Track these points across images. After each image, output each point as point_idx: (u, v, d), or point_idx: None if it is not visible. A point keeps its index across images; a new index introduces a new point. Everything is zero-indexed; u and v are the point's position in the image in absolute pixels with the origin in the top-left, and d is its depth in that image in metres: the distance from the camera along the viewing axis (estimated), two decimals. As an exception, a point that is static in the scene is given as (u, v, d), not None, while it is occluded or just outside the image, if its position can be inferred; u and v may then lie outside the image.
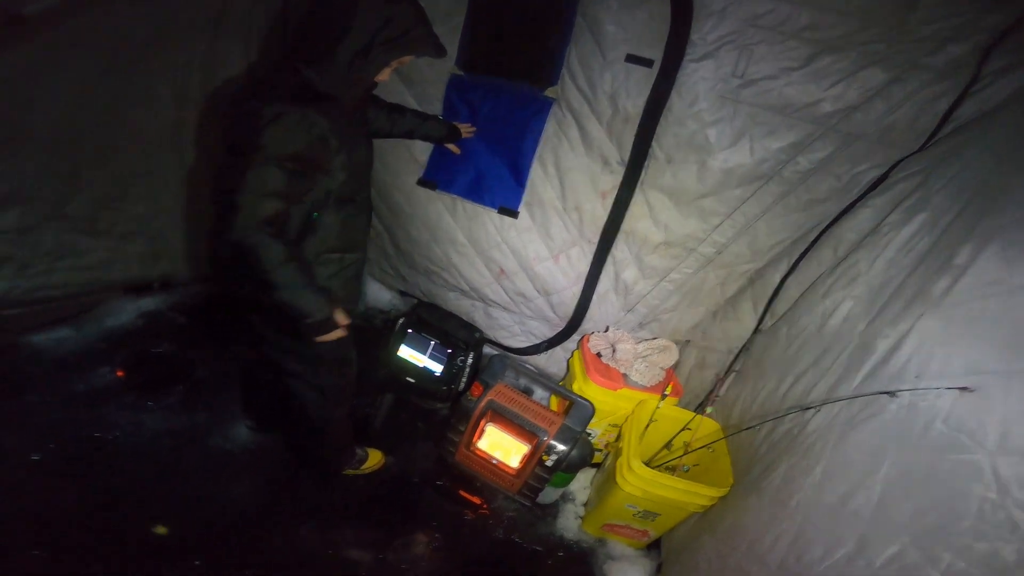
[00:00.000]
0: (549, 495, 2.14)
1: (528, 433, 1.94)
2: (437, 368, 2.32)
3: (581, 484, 2.26)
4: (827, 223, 1.90)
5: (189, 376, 2.24)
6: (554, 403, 2.28)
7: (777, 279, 2.03)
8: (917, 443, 1.23)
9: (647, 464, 1.90)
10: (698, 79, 1.73)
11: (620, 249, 2.12)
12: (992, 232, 1.29)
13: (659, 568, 2.04)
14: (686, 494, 1.82)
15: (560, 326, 2.40)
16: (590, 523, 2.14)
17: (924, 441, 1.21)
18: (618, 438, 2.17)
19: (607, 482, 2.01)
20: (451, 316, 2.50)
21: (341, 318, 1.46)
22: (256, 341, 1.65)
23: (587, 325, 2.34)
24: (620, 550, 2.10)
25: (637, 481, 1.82)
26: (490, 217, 2.22)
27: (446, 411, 2.39)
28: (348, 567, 1.80)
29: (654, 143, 1.86)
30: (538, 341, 2.49)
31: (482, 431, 2.01)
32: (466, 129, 2.10)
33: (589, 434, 2.12)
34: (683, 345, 2.29)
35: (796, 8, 1.58)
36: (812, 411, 1.56)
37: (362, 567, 1.81)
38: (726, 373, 2.13)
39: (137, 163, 2.22)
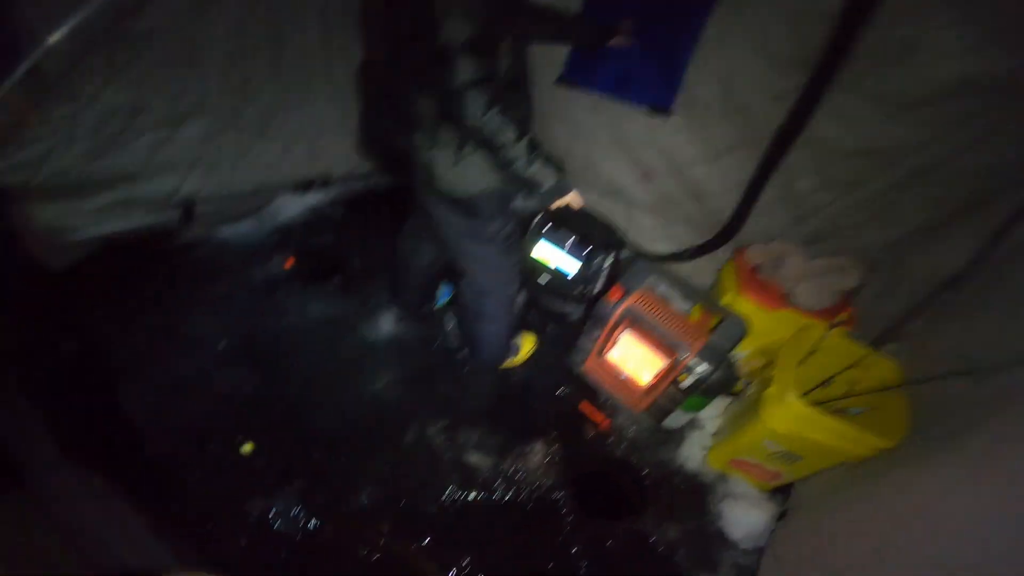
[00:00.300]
0: (676, 419, 2.01)
1: (667, 347, 1.80)
2: (572, 268, 2.19)
3: (713, 412, 2.09)
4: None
5: (346, 267, 2.41)
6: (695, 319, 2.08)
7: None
8: None
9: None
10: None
11: (796, 156, 1.79)
12: None
13: (782, 515, 1.84)
14: (846, 440, 1.57)
15: (710, 234, 2.15)
16: (716, 456, 1.99)
17: None
18: (766, 366, 1.94)
19: (747, 414, 1.82)
20: (590, 216, 2.34)
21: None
22: (427, 231, 1.73)
23: (744, 235, 2.08)
24: (742, 489, 1.93)
25: (788, 417, 1.61)
26: (638, 116, 2.00)
27: (577, 315, 2.31)
28: (466, 471, 1.87)
29: (857, 41, 1.49)
30: (684, 248, 2.26)
31: (616, 340, 1.92)
32: (623, 30, 1.85)
33: (734, 358, 1.92)
34: (866, 268, 1.91)
35: None
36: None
37: (479, 473, 1.87)
38: (921, 307, 1.75)
39: (295, 75, 2.35)
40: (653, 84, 1.92)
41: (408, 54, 1.43)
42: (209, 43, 1.95)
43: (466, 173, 1.51)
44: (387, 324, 2.27)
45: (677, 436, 2.06)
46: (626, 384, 1.94)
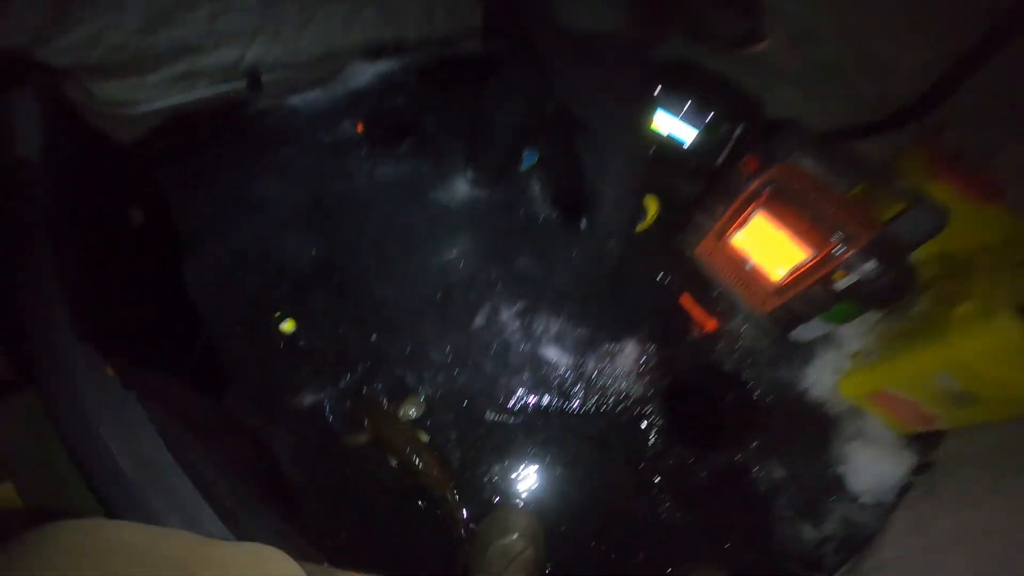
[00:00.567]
0: (809, 330, 1.57)
1: (819, 235, 1.34)
2: (689, 135, 1.75)
3: (858, 327, 1.62)
4: None
5: (418, 130, 2.21)
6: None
7: None
8: None
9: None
10: None
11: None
12: None
13: (921, 469, 1.44)
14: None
15: (884, 114, 1.63)
16: (854, 384, 1.55)
17: None
18: (948, 276, 1.44)
19: (916, 336, 1.38)
20: (717, 78, 1.82)
21: None
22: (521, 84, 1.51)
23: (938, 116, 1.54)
24: (877, 431, 1.52)
25: (993, 346, 1.17)
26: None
27: (690, 191, 1.87)
28: (542, 369, 1.55)
29: None
30: (847, 125, 1.72)
31: (746, 220, 1.47)
32: None
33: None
34: None
35: None
36: None
37: (556, 373, 1.55)
38: None
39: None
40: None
41: None
42: None
43: None
44: (462, 188, 1.99)
45: (805, 352, 1.62)
46: (751, 277, 1.51)
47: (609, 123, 1.47)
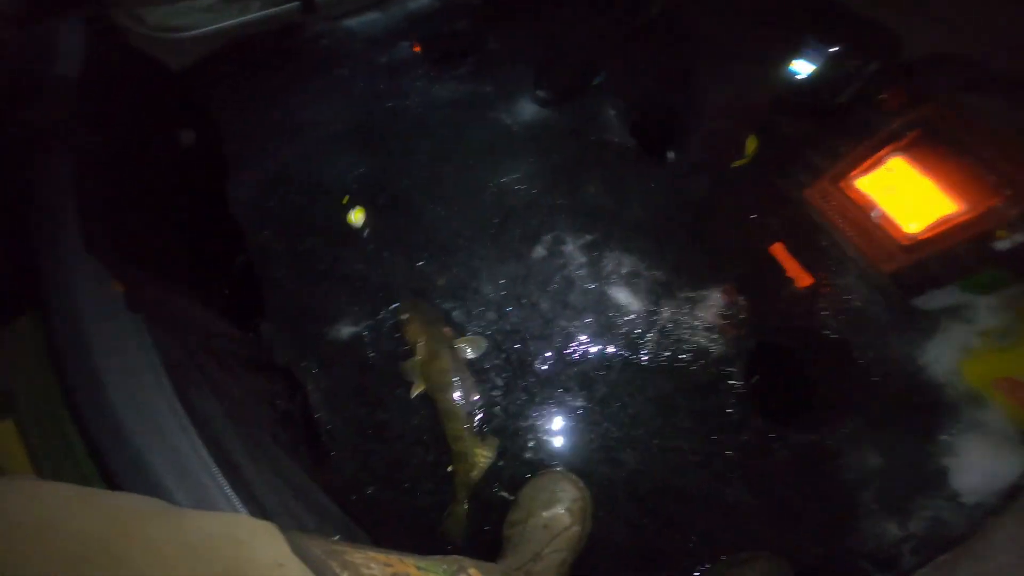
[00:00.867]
0: (939, 298, 1.30)
1: (980, 184, 1.04)
2: (806, 68, 1.43)
3: (996, 302, 1.33)
4: None
5: (480, 50, 2.00)
6: None
7: None
8: None
9: None
10: None
11: None
12: None
13: None
14: None
15: None
16: (982, 366, 1.29)
17: None
18: None
19: None
20: (850, 13, 1.45)
21: None
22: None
23: None
24: (998, 423, 1.26)
25: None
26: None
27: (806, 129, 1.54)
28: (608, 312, 1.35)
29: None
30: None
31: (878, 162, 1.18)
32: None
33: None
34: None
35: None
36: None
37: (625, 318, 1.35)
38: None
39: None
40: None
41: None
42: None
43: None
44: (527, 109, 1.75)
45: (928, 323, 1.34)
46: (876, 228, 1.23)
47: (725, 43, 1.18)
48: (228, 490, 0.60)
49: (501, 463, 1.17)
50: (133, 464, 0.59)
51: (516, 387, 1.26)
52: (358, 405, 1.23)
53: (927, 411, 1.30)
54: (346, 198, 1.48)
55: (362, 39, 2.02)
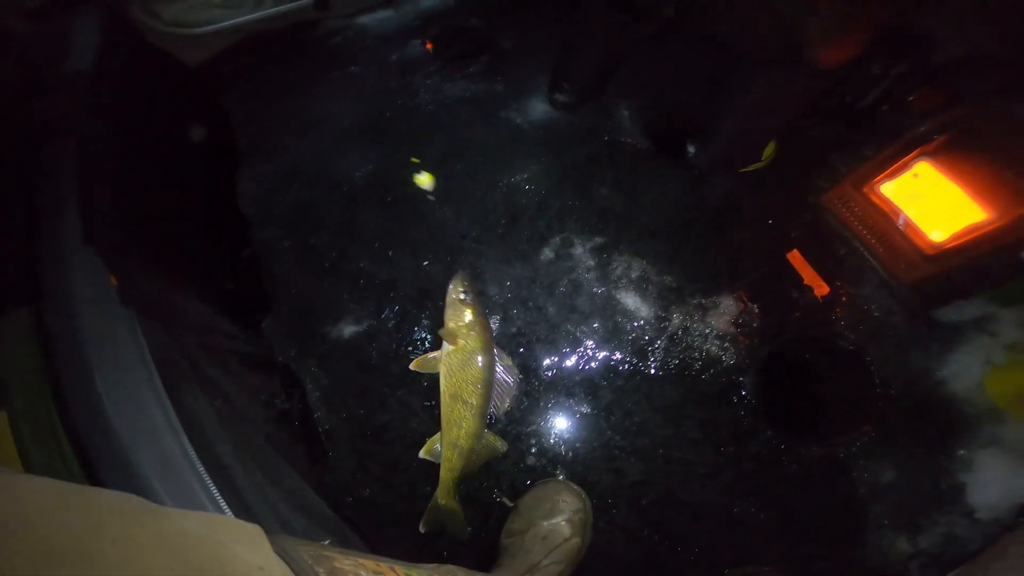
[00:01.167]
0: (963, 310, 1.25)
1: (1014, 192, 0.99)
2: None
3: (1019, 315, 1.27)
4: None
5: (493, 48, 1.98)
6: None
7: None
8: None
9: None
10: None
11: None
12: None
13: None
14: None
15: None
16: (1007, 381, 1.24)
17: None
18: None
19: None
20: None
21: None
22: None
23: None
24: (1019, 440, 1.21)
25: None
26: None
27: (826, 132, 1.49)
28: (617, 318, 1.32)
29: None
30: None
31: (904, 167, 1.13)
32: None
33: None
34: None
35: None
36: None
37: (633, 324, 1.31)
38: None
39: None
40: None
41: None
42: None
43: None
44: (539, 108, 1.72)
45: (949, 336, 1.29)
46: (899, 235, 1.17)
47: (760, 42, 1.15)
48: (214, 490, 0.58)
49: (501, 467, 1.15)
50: (118, 461, 0.58)
51: (519, 392, 1.23)
52: (357, 405, 1.21)
53: (945, 426, 1.26)
54: (415, 158, 1.50)
55: (374, 36, 2.01)
